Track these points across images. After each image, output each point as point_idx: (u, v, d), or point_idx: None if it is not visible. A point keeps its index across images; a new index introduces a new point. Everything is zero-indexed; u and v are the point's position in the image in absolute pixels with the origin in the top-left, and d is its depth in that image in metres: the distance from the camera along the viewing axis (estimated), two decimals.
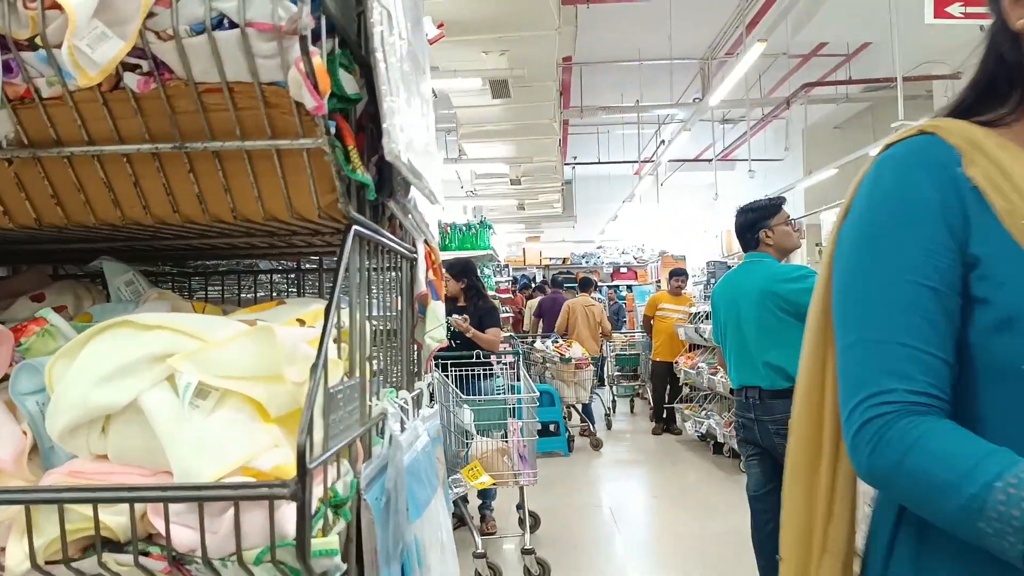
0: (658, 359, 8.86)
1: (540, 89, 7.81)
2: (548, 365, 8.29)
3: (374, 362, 1.33)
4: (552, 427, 7.63)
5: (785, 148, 13.47)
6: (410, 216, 1.37)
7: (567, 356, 8.08)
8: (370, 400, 1.19)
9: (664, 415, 8.87)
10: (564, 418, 7.89)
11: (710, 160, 13.58)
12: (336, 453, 0.97)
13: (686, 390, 8.88)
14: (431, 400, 1.87)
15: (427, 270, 1.65)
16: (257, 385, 0.91)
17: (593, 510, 5.84)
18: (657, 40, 9.74)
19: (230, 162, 0.99)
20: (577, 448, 7.97)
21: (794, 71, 10.97)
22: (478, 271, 5.84)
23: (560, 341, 8.47)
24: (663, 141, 12.44)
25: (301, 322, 1.12)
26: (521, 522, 4.56)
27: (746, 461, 3.46)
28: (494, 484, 4.28)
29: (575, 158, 15.54)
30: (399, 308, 1.58)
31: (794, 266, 3.43)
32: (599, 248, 19.39)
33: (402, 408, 1.36)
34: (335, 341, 1.07)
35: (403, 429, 1.34)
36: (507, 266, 17.31)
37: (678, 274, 9.34)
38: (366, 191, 1.11)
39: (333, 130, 0.96)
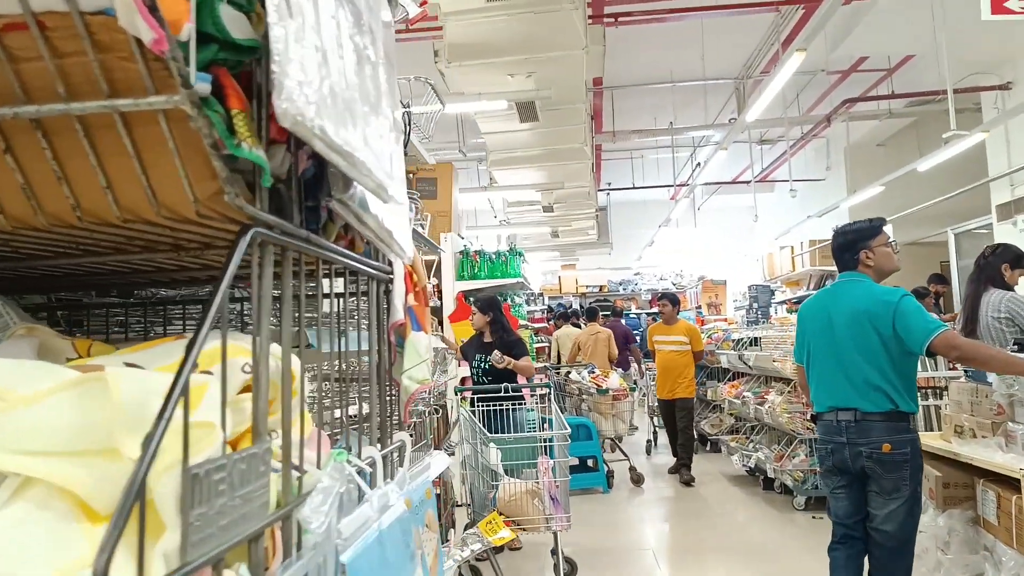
0: (661, 398, 8.08)
1: (569, 112, 7.57)
2: (585, 397, 7.91)
3: (313, 415, 1.02)
4: (590, 462, 7.27)
5: (827, 167, 13.04)
6: (368, 225, 1.06)
7: (604, 387, 7.72)
8: (298, 472, 0.87)
9: (699, 452, 8.43)
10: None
11: (748, 182, 13.18)
12: (213, 561, 0.65)
13: (731, 420, 8.43)
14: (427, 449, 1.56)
15: (407, 294, 1.34)
16: (77, 465, 0.60)
17: (636, 554, 5.40)
18: (690, 60, 9.49)
19: (59, 136, 0.68)
20: (616, 483, 7.55)
21: (833, 87, 10.59)
22: (502, 305, 5.97)
23: (596, 371, 8.08)
24: (699, 164, 12.08)
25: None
26: (556, 568, 4.19)
27: (832, 491, 3.29)
28: (523, 531, 3.95)
29: (609, 184, 15.29)
30: (371, 341, 1.27)
31: (894, 288, 3.25)
32: (636, 275, 19.00)
33: (359, 472, 1.04)
34: (238, 394, 0.77)
35: (361, 499, 1.03)
36: (542, 295, 17.00)
37: (662, 299, 8.21)
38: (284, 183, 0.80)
39: (208, 86, 0.66)
